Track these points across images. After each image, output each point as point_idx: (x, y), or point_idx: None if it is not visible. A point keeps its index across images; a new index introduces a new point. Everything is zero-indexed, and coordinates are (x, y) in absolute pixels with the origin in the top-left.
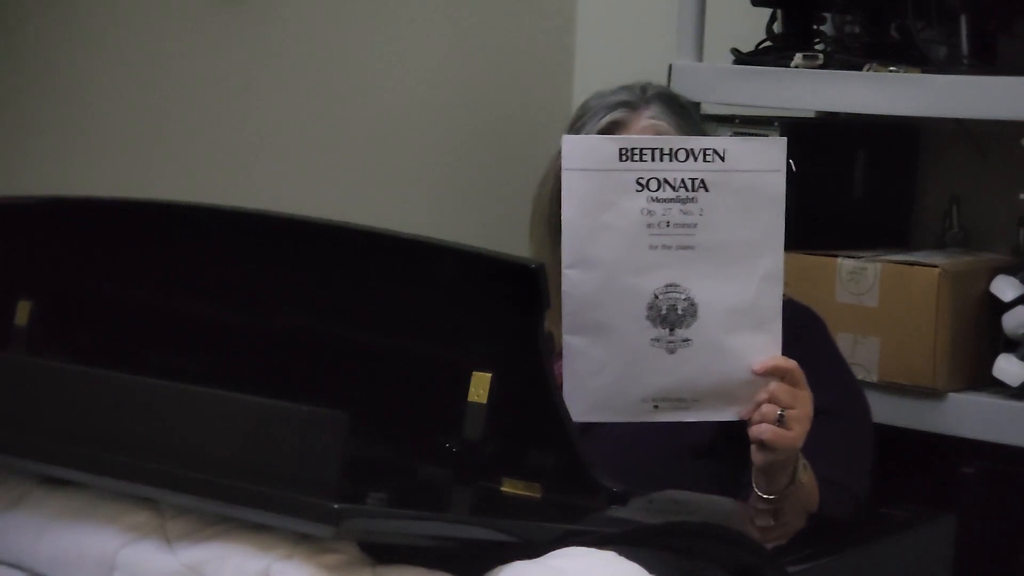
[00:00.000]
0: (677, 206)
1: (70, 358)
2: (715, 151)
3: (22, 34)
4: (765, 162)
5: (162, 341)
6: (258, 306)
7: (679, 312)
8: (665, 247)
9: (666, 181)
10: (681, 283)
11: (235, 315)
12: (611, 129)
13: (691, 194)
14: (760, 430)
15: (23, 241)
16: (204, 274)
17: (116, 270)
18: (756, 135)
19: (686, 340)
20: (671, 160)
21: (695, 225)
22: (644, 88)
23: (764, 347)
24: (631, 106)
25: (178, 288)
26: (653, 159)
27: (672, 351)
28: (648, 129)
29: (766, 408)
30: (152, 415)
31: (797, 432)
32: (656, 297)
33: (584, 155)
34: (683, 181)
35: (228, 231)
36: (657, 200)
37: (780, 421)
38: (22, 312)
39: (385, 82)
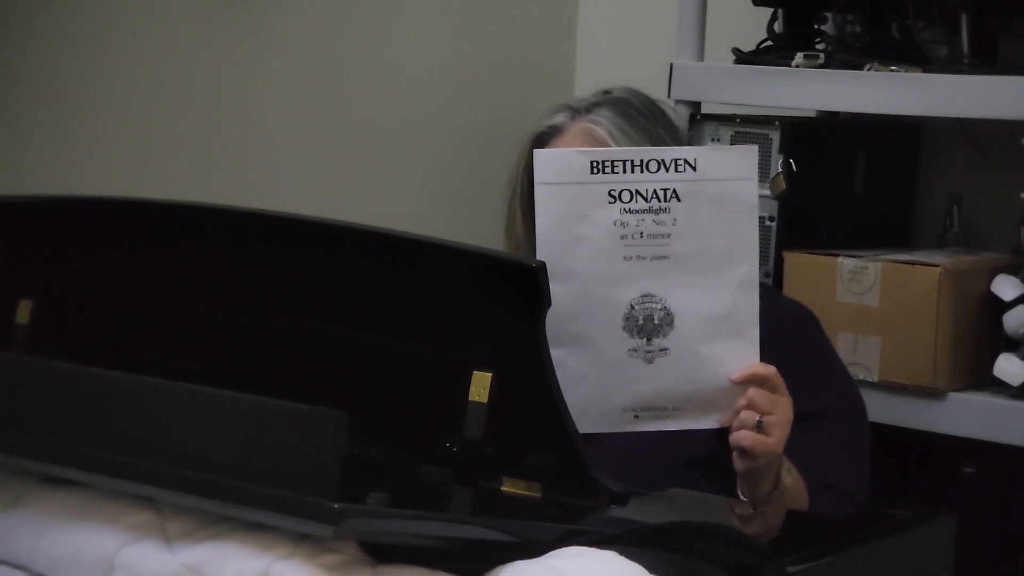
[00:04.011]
0: (650, 216)
1: (70, 357)
2: (686, 161)
3: (21, 34)
4: (736, 170)
5: (162, 341)
6: (258, 306)
7: (656, 322)
8: (640, 258)
9: (638, 192)
10: (657, 293)
11: (235, 315)
12: (548, 133)
13: (663, 204)
14: (739, 436)
15: (23, 241)
16: (204, 274)
17: (116, 270)
18: (756, 135)
19: (664, 349)
20: (642, 171)
21: (669, 235)
22: (606, 92)
23: (742, 355)
24: (573, 111)
25: (178, 288)
26: (624, 171)
27: (650, 361)
28: (580, 132)
29: (745, 415)
30: (152, 415)
31: (776, 437)
32: (632, 307)
33: (556, 169)
34: (655, 192)
35: (228, 231)
36: (630, 211)
37: (759, 427)
38: (23, 311)
39: (386, 81)
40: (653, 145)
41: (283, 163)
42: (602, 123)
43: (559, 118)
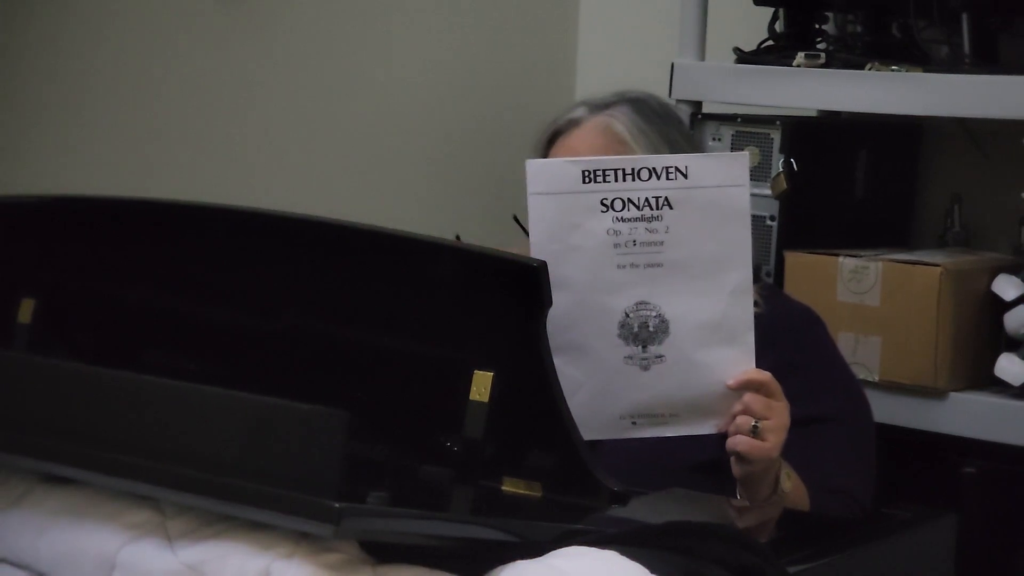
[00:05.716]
0: (643, 224)
1: (72, 356)
2: (677, 168)
3: (22, 34)
4: (728, 177)
5: (163, 340)
6: (259, 306)
7: (651, 329)
8: (633, 266)
9: (630, 200)
10: (651, 300)
11: (236, 315)
12: (565, 127)
13: (656, 212)
14: (735, 442)
15: (25, 240)
16: (204, 274)
17: (117, 270)
18: (757, 135)
19: (659, 356)
20: (634, 179)
21: (662, 243)
22: (622, 93)
23: (737, 360)
24: (591, 106)
25: (179, 288)
26: (616, 179)
27: (646, 368)
28: (598, 125)
29: (740, 420)
30: (153, 414)
31: (772, 442)
32: (627, 315)
33: (548, 179)
34: (647, 200)
35: (228, 231)
36: (622, 220)
37: (755, 432)
38: (25, 310)
39: (386, 81)
40: (670, 147)
41: (283, 163)
42: (621, 119)
43: (578, 112)
